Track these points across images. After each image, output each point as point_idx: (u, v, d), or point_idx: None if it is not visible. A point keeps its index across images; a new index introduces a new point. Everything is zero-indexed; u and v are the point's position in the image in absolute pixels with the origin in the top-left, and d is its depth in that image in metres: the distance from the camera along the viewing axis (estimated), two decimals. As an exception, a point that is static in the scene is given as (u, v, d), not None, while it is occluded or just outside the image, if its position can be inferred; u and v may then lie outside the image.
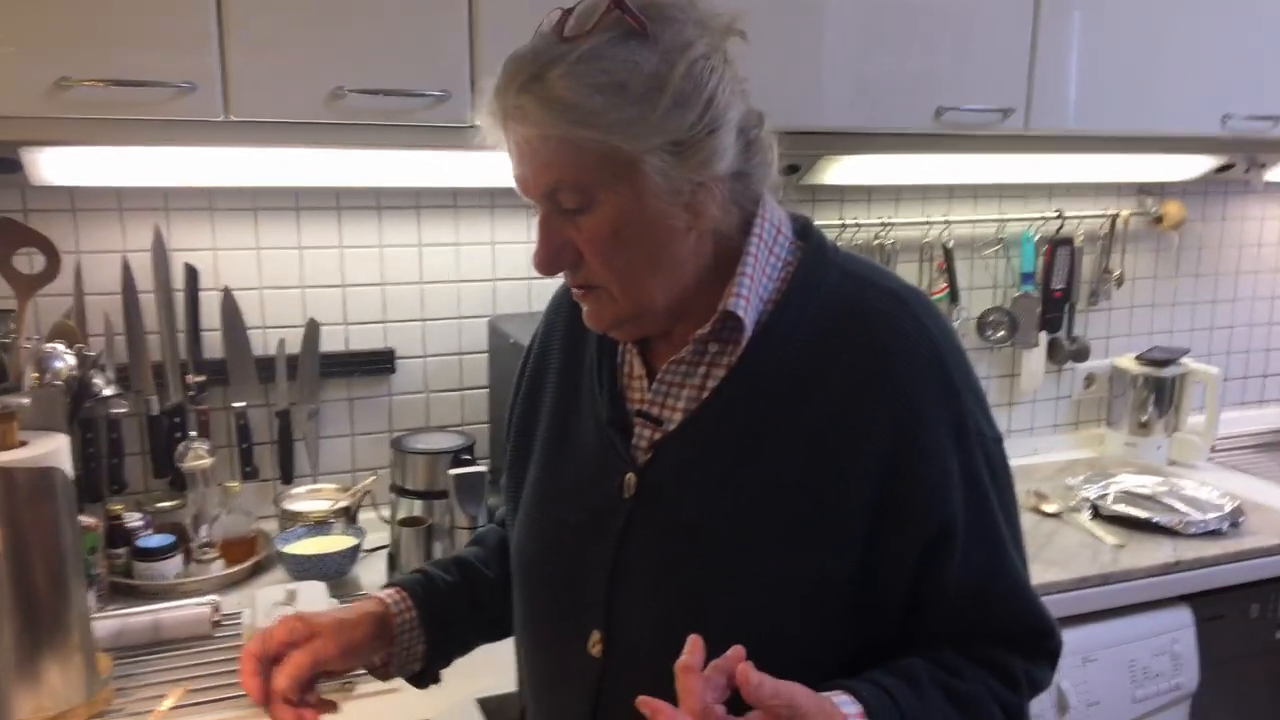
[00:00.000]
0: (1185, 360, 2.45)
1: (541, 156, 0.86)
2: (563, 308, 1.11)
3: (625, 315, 0.94)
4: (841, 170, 2.05)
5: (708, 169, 0.88)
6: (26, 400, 1.26)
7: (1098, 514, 2.03)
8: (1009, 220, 2.39)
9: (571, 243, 0.90)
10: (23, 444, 1.24)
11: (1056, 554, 1.87)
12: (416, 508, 1.72)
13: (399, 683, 1.31)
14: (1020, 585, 0.95)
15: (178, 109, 1.38)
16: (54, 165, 1.54)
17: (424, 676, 1.12)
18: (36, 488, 1.22)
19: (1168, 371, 2.41)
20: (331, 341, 1.92)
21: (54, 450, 1.24)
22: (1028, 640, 0.95)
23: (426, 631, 1.09)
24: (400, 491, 1.74)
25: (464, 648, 1.14)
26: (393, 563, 1.72)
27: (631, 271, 0.91)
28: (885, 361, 0.90)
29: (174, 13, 1.37)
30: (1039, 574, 1.77)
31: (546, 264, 0.92)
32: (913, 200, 2.34)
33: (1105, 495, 2.07)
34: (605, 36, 0.84)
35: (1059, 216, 2.40)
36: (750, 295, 0.92)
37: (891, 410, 0.89)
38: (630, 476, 0.96)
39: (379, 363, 1.95)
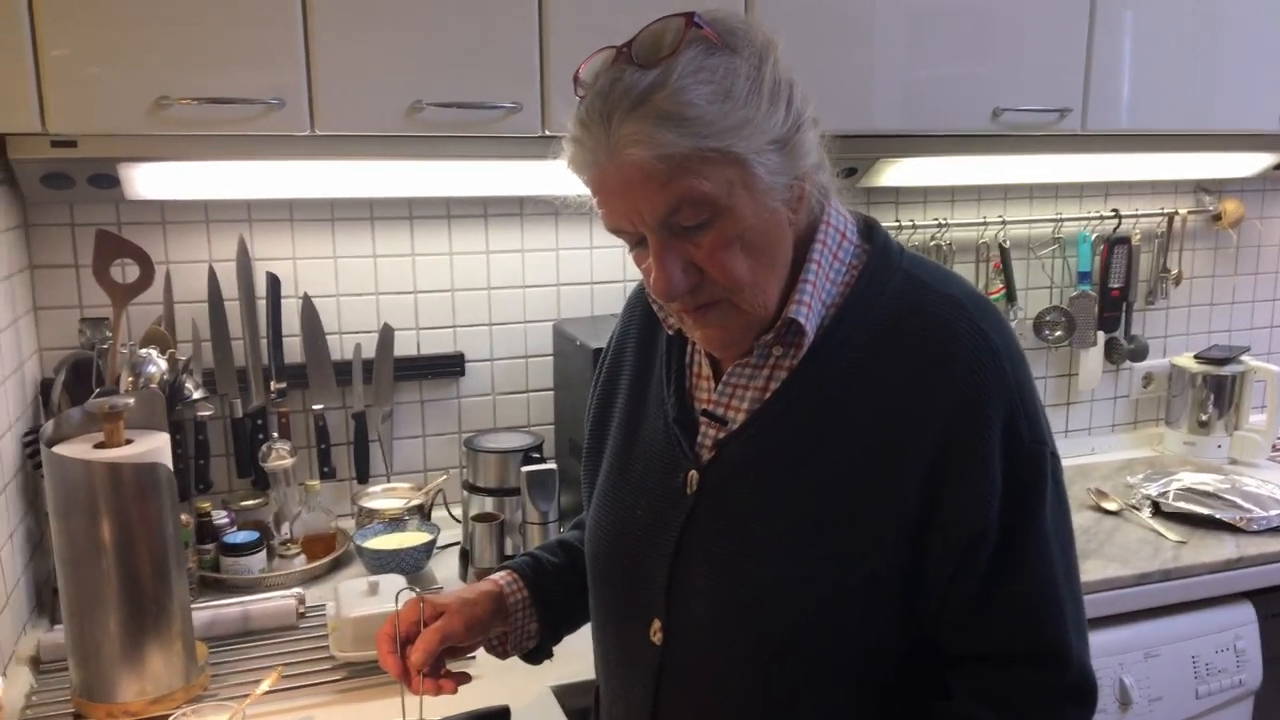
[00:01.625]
0: (1245, 358, 2.44)
1: (659, 179, 0.86)
2: (638, 307, 1.15)
3: (748, 325, 0.95)
4: (898, 172, 2.08)
5: (804, 162, 0.92)
6: (132, 400, 1.33)
7: (1159, 511, 2.04)
8: (1065, 220, 2.40)
9: (692, 263, 0.91)
10: (128, 441, 1.32)
11: (1117, 550, 1.88)
12: (488, 504, 1.78)
13: (479, 670, 1.38)
14: (1053, 607, 0.93)
15: (267, 124, 1.46)
16: (148, 180, 1.63)
17: (538, 653, 1.21)
18: (143, 482, 1.29)
19: (1227, 370, 2.40)
20: (404, 346, 1.99)
21: (158, 447, 1.32)
22: (1046, 669, 0.93)
23: (537, 610, 1.17)
24: (472, 489, 1.81)
25: (571, 625, 1.21)
26: (465, 557, 1.78)
27: (755, 276, 0.92)
28: (940, 365, 0.92)
29: (264, 33, 1.44)
30: (1099, 570, 1.79)
31: (671, 289, 0.91)
32: (968, 201, 2.36)
33: (1166, 492, 2.08)
34: (692, 53, 0.87)
35: (1115, 216, 2.41)
36: (812, 302, 0.95)
37: (944, 411, 0.91)
38: (693, 473, 1.00)
39: (449, 366, 2.02)
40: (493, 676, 1.40)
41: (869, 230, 1.02)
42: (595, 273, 2.10)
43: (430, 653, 1.05)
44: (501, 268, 2.04)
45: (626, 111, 0.85)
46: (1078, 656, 0.94)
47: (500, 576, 1.17)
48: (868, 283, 0.97)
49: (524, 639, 1.18)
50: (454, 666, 1.12)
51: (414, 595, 1.10)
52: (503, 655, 1.19)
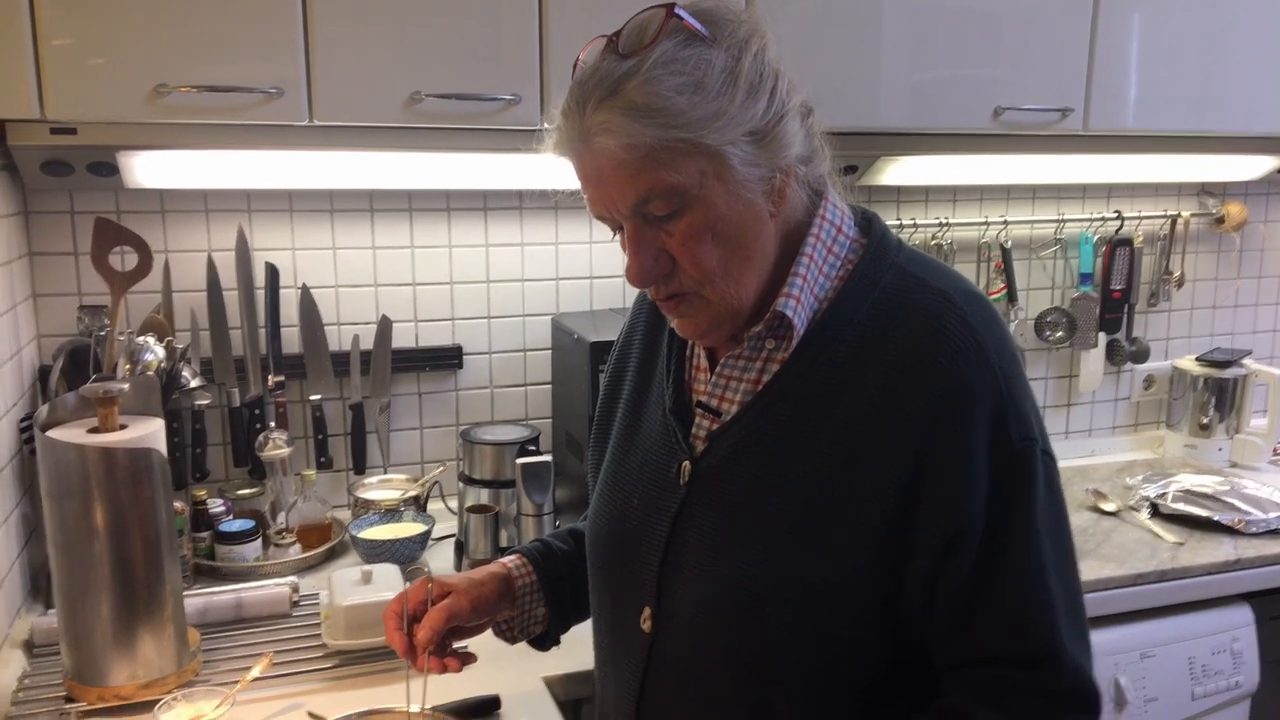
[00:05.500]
0: (1247, 362, 2.43)
1: (628, 169, 0.87)
2: (647, 300, 1.15)
3: (719, 317, 0.96)
4: (899, 171, 2.08)
5: (784, 154, 0.92)
6: (126, 385, 1.33)
7: (1157, 512, 2.03)
8: (1067, 221, 2.40)
9: (665, 251, 0.92)
10: (123, 427, 1.32)
11: (1114, 550, 1.87)
12: (484, 496, 1.78)
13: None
14: (1043, 611, 0.90)
15: (266, 114, 1.46)
16: (147, 169, 1.63)
17: (545, 639, 1.21)
18: (136, 468, 1.30)
19: (1229, 373, 2.39)
20: (402, 338, 1.99)
21: (152, 433, 1.32)
22: (1041, 672, 0.90)
23: (545, 595, 1.17)
24: (468, 481, 1.81)
25: (579, 612, 1.20)
26: (460, 549, 1.78)
27: (727, 267, 0.93)
28: (926, 358, 0.90)
29: (264, 22, 1.45)
30: (1095, 570, 1.78)
31: (642, 276, 0.93)
32: (970, 201, 2.36)
33: (1165, 494, 2.07)
34: (670, 44, 0.87)
35: (1118, 217, 2.40)
36: (802, 295, 0.95)
37: (928, 405, 0.89)
38: (686, 464, 1.00)
39: (447, 358, 2.03)
40: (485, 665, 1.40)
41: (867, 224, 1.01)
42: (594, 267, 2.10)
43: (436, 631, 1.06)
44: (500, 261, 2.04)
45: (599, 101, 0.87)
46: (1073, 661, 0.91)
47: (510, 560, 1.18)
48: (860, 276, 0.97)
49: (531, 624, 1.18)
50: (460, 646, 1.13)
51: (424, 574, 1.11)
52: (511, 639, 1.20)
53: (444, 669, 1.08)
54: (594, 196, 0.92)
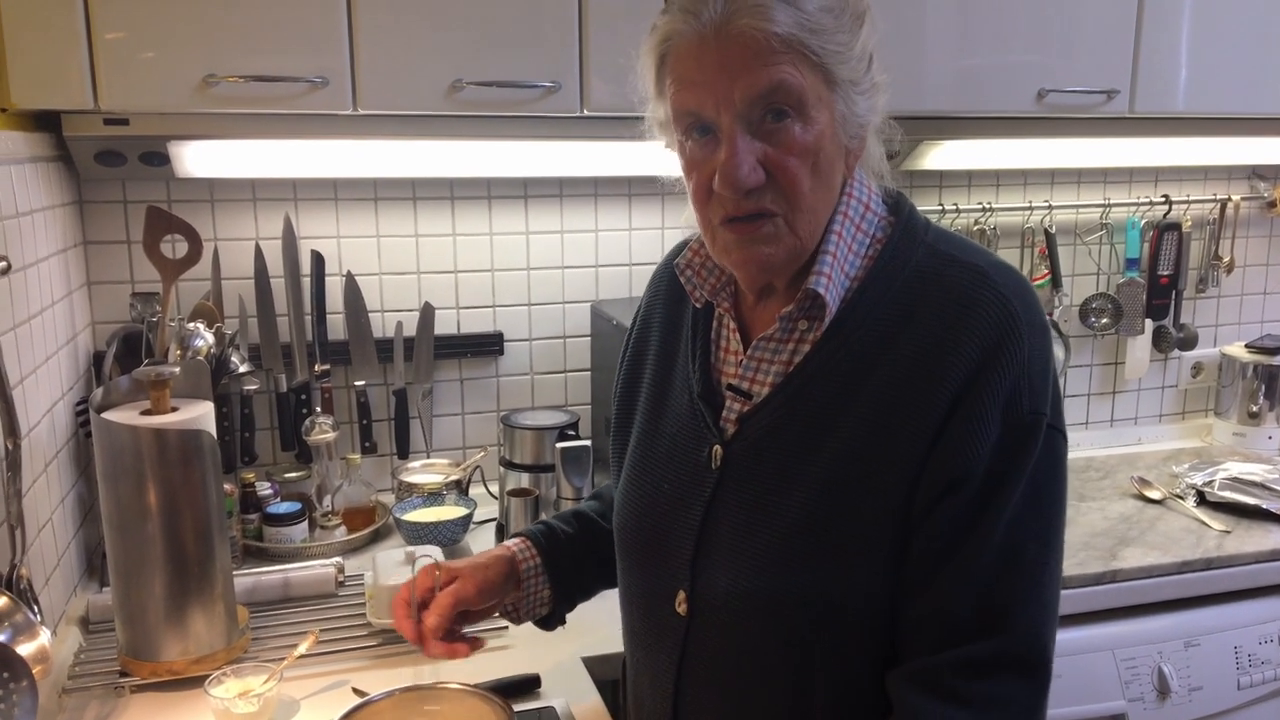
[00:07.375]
0: (1299, 348, 2.38)
1: (763, 57, 0.87)
2: (664, 281, 1.16)
3: (791, 252, 0.94)
4: (941, 155, 2.06)
5: (871, 119, 0.94)
6: (177, 369, 1.37)
7: (1203, 500, 2.01)
8: (1113, 205, 2.36)
9: (760, 166, 0.90)
10: (174, 409, 1.36)
11: (1159, 539, 1.85)
12: (524, 480, 1.80)
13: (511, 639, 1.40)
14: (1011, 571, 0.90)
15: (311, 103, 1.49)
16: (197, 158, 1.67)
17: (550, 620, 1.23)
18: (187, 449, 1.33)
19: (1279, 360, 2.36)
20: (444, 325, 2.02)
21: (202, 415, 1.36)
22: (988, 635, 0.90)
23: (550, 577, 1.18)
24: (509, 465, 1.83)
25: (584, 593, 1.22)
26: (501, 532, 1.80)
27: (814, 201, 0.92)
28: (956, 331, 0.90)
29: (308, 13, 1.47)
30: (1139, 557, 1.76)
31: (738, 176, 0.89)
32: (1014, 185, 2.33)
33: (1212, 482, 2.04)
34: None
35: (1166, 201, 2.37)
36: (833, 273, 0.94)
37: (956, 378, 0.89)
38: (717, 449, 1.00)
39: (488, 345, 2.05)
40: (524, 646, 1.43)
41: (895, 204, 1.01)
42: (633, 254, 2.11)
43: (444, 616, 1.07)
44: (541, 248, 2.05)
45: None
46: (1029, 626, 0.91)
47: (513, 543, 1.19)
48: (891, 255, 0.96)
49: (537, 605, 1.20)
50: (470, 631, 1.14)
51: (429, 561, 1.12)
52: (517, 621, 1.21)
53: (453, 654, 1.08)
54: (707, 86, 0.89)
